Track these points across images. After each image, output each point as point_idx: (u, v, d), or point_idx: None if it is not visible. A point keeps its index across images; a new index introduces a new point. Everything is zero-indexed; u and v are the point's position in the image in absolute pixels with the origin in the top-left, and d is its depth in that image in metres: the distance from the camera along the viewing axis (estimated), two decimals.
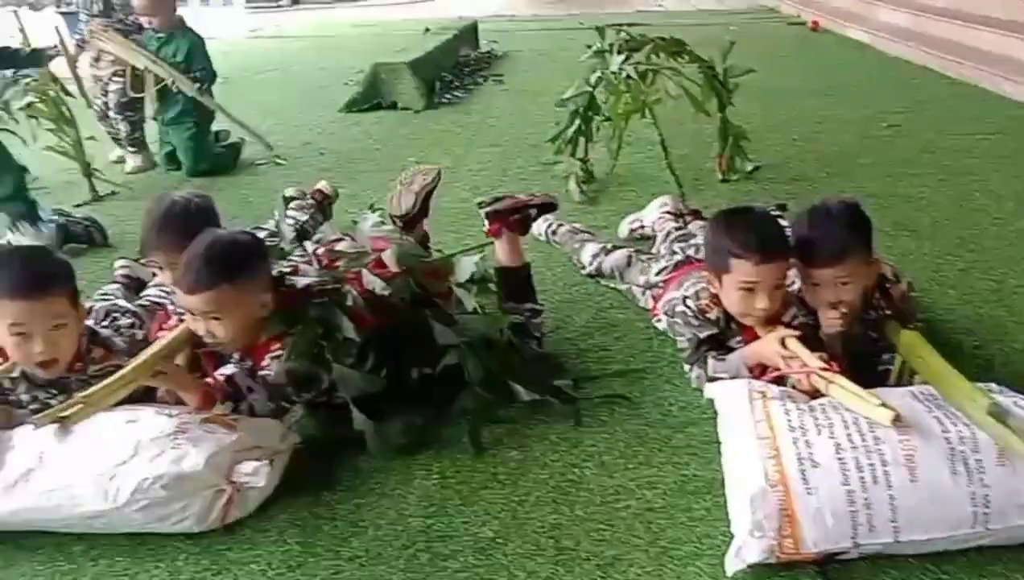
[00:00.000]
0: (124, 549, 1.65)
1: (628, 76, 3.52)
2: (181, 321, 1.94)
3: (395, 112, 5.52)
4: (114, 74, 4.28)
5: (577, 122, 3.76)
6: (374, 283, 1.97)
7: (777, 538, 1.46)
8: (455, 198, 3.54)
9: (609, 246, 2.76)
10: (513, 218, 2.25)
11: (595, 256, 2.74)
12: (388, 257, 2.06)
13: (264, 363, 1.88)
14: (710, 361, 1.98)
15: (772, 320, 1.90)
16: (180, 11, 4.38)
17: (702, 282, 2.03)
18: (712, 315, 1.99)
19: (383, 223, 2.34)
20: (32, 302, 1.77)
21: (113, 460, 1.64)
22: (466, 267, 2.09)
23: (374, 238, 2.17)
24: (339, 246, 2.16)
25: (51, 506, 1.63)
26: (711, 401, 1.82)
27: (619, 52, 3.59)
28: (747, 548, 1.47)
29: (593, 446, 1.89)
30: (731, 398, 1.73)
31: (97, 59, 4.30)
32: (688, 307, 2.02)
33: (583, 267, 2.79)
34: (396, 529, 1.67)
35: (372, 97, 5.61)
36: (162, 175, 4.34)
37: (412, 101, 5.57)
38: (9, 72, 3.78)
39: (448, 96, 5.84)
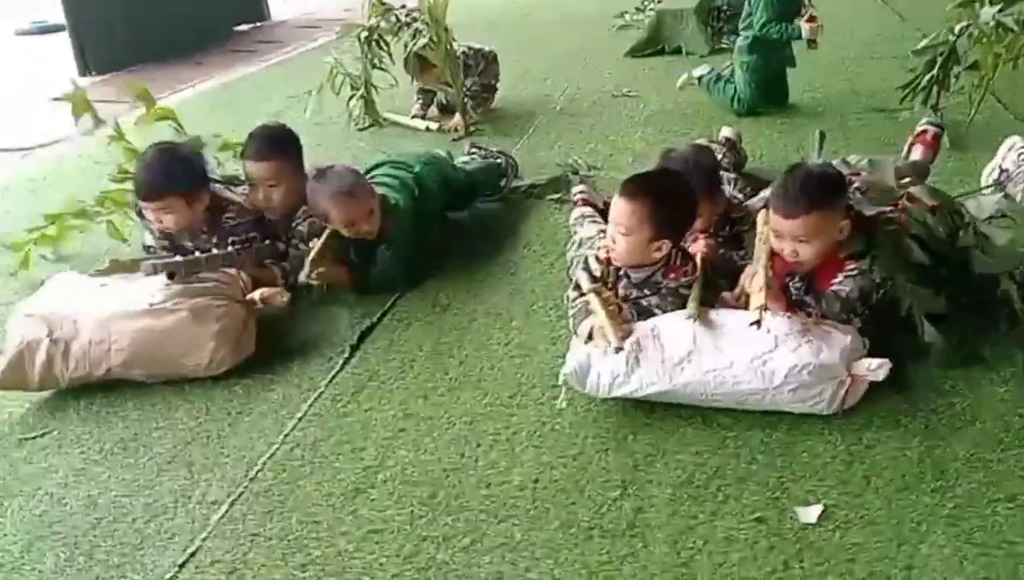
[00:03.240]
0: (758, 421, 2.00)
1: (1003, 27, 3.64)
2: None
3: (679, 57, 5.71)
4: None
5: (934, 71, 3.89)
6: (923, 215, 2.23)
7: None
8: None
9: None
10: None
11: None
12: (920, 192, 2.32)
13: (837, 280, 2.19)
14: None
15: None
16: None
17: None
18: None
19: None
20: None
21: (761, 349, 1.99)
22: (986, 205, 2.32)
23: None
24: (857, 181, 2.43)
25: (715, 382, 2.00)
26: None
27: (992, 3, 3.69)
28: None
29: None
30: None
31: None
32: None
33: None
34: (999, 424, 1.95)
35: (656, 42, 5.83)
36: None
37: (696, 46, 5.75)
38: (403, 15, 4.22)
39: (725, 41, 5.97)
